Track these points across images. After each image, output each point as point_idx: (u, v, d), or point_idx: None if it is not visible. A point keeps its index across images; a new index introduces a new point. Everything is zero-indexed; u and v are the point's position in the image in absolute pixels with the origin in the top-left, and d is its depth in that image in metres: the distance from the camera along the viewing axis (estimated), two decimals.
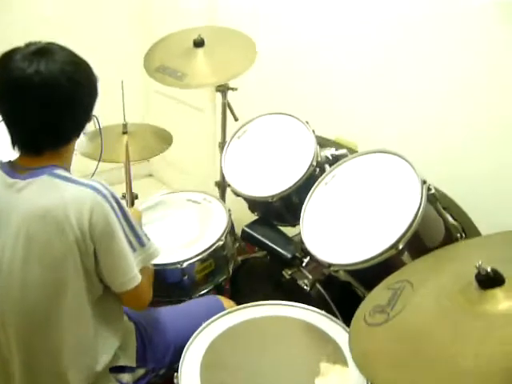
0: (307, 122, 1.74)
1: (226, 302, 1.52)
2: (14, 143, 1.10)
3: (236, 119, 2.14)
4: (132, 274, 1.12)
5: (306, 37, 2.13)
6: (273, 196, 1.65)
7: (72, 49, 1.12)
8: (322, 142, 1.78)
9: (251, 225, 1.75)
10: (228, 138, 1.89)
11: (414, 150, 1.42)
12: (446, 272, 1.09)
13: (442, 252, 1.25)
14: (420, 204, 1.24)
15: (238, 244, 1.79)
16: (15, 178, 1.07)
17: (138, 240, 1.15)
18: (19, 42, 1.09)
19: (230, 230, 1.71)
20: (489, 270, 0.87)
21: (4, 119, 1.09)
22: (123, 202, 1.14)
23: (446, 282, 1.03)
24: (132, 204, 2.08)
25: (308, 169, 1.62)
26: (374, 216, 1.37)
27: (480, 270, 0.88)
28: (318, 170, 1.66)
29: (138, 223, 1.23)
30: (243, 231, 1.73)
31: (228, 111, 2.13)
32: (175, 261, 1.56)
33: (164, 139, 2.00)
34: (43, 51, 1.06)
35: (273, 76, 2.27)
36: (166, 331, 1.37)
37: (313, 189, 1.54)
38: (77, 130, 1.14)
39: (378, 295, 1.14)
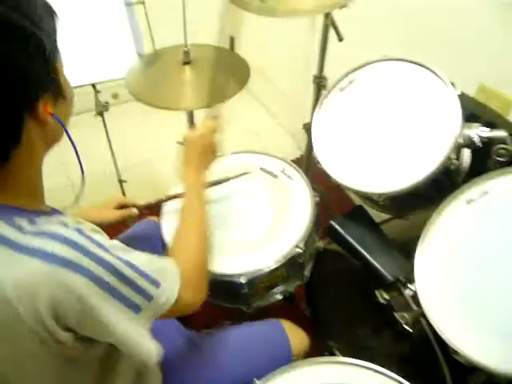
0: (452, 84, 1.13)
1: (289, 328, 1.14)
2: None
3: (340, 39, 1.53)
4: (143, 347, 0.73)
5: None
6: (380, 194, 1.14)
7: None
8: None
9: (343, 221, 1.26)
10: (329, 84, 1.33)
11: None
12: None
13: None
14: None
15: (319, 244, 1.32)
16: None
17: (142, 293, 0.73)
18: None
19: (314, 224, 1.24)
20: None
21: None
22: (111, 244, 0.71)
23: None
24: None
25: (442, 162, 1.07)
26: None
27: None
28: (456, 162, 1.10)
29: (151, 260, 0.79)
30: (331, 227, 1.26)
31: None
32: (234, 272, 1.15)
33: (241, 71, 1.48)
34: None
35: None
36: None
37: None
38: (12, 126, 0.65)
39: None
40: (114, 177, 1.90)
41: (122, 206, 1.22)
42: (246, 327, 1.16)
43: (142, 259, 0.76)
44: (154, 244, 1.24)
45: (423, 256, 1.02)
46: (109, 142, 1.76)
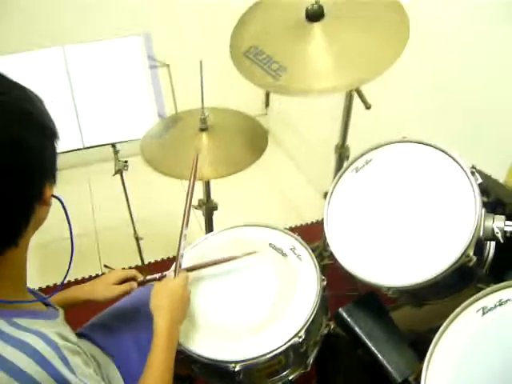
0: (474, 170, 1.06)
1: None
2: None
3: (368, 107, 1.48)
4: None
5: None
6: (388, 287, 1.06)
7: None
8: (487, 189, 1.10)
9: (352, 308, 1.18)
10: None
11: None
12: None
13: None
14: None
15: (329, 327, 1.24)
16: None
17: None
18: None
19: (319, 309, 1.16)
20: None
21: None
22: (86, 373, 0.68)
23: None
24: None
25: (458, 258, 0.98)
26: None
27: None
28: (474, 258, 1.00)
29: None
30: (338, 316, 1.18)
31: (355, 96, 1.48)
32: (228, 359, 1.08)
33: (259, 138, 1.45)
34: None
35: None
36: None
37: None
38: (8, 230, 0.66)
39: None
40: (131, 232, 1.89)
41: (124, 281, 1.16)
42: None
43: None
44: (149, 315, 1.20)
45: (431, 364, 0.92)
46: (127, 200, 1.75)
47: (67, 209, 0.77)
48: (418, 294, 1.16)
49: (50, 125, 0.69)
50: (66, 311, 0.86)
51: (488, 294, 0.91)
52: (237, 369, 1.06)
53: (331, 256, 1.85)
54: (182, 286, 1.05)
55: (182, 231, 1.11)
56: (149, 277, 1.17)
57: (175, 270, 1.09)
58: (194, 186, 1.14)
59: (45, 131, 0.68)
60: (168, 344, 0.93)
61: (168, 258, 2.08)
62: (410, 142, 1.17)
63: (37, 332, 0.64)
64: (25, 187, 0.64)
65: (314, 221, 2.42)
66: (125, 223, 1.97)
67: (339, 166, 1.58)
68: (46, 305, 0.83)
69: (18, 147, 0.62)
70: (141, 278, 1.17)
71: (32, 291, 0.81)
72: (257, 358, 1.07)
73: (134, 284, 1.16)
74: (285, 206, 2.58)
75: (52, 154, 0.70)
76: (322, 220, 1.91)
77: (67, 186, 0.78)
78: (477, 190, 1.03)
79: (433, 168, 1.11)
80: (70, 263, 0.81)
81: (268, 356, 1.07)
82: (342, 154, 1.55)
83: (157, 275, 1.16)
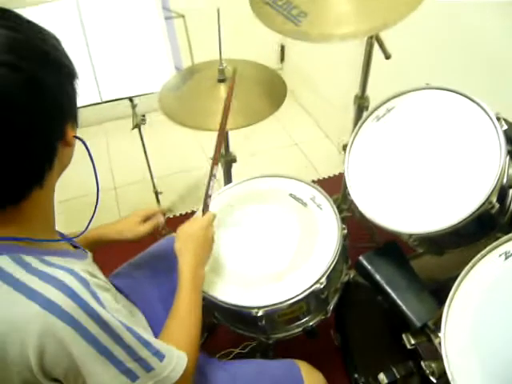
0: (499, 117, 1.03)
1: (305, 371, 1.09)
2: None
3: (387, 56, 1.45)
4: None
5: None
6: (410, 234, 1.07)
7: None
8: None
9: (373, 256, 1.18)
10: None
11: None
12: None
13: None
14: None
15: (348, 276, 1.25)
16: None
17: (141, 363, 0.70)
18: None
19: (340, 256, 1.18)
20: None
21: None
22: (116, 307, 0.70)
23: None
24: (229, 177, 1.60)
25: (479, 206, 0.98)
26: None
27: None
28: (497, 205, 1.00)
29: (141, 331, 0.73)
30: (359, 264, 1.19)
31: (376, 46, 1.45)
32: (251, 305, 1.10)
33: (278, 89, 1.43)
34: None
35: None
36: None
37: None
38: (32, 170, 0.66)
39: None
40: (150, 188, 1.91)
41: (148, 218, 1.16)
42: (261, 364, 1.11)
43: (146, 335, 0.73)
44: (173, 265, 1.21)
45: (452, 308, 0.93)
46: (145, 154, 1.76)
47: (90, 150, 0.77)
48: (439, 242, 1.16)
49: (67, 63, 0.68)
50: (93, 255, 0.88)
51: (511, 239, 0.91)
52: (259, 314, 1.09)
53: (349, 209, 1.86)
54: (206, 227, 1.04)
55: (211, 171, 1.08)
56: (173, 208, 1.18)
57: (203, 210, 1.09)
58: (225, 127, 1.13)
59: (62, 69, 0.67)
60: (193, 285, 0.95)
61: (186, 213, 2.10)
62: (433, 88, 1.14)
63: (66, 268, 0.66)
64: (45, 126, 0.64)
65: (332, 175, 2.41)
66: (143, 179, 1.99)
67: (358, 117, 1.56)
68: (75, 247, 0.85)
69: (35, 86, 0.62)
70: (166, 214, 1.17)
71: (61, 233, 0.83)
72: (279, 303, 1.09)
73: (160, 217, 1.16)
74: (302, 161, 2.57)
75: (71, 93, 0.69)
76: (340, 174, 1.90)
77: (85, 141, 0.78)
78: (502, 136, 1.01)
79: (457, 114, 1.09)
80: (95, 206, 0.82)
81: (290, 302, 1.09)
82: (361, 104, 1.52)
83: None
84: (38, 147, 0.65)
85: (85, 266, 0.71)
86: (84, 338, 0.63)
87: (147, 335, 0.73)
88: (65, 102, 0.68)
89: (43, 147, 0.66)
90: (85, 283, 0.65)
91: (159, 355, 0.73)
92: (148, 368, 0.71)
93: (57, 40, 0.69)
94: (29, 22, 0.66)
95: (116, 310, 0.69)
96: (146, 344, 0.71)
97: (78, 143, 0.74)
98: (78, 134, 0.73)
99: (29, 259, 0.66)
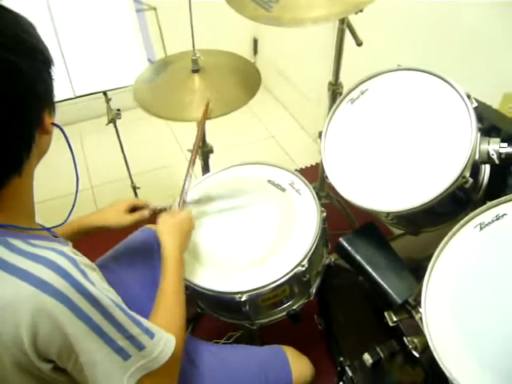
0: (469, 94, 1.06)
1: (292, 356, 1.11)
2: None
3: (359, 43, 1.47)
4: None
5: None
6: (388, 213, 1.08)
7: None
8: (482, 115, 1.11)
9: (352, 238, 1.20)
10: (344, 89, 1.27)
11: None
12: None
13: None
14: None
15: (329, 260, 1.27)
16: None
17: (132, 341, 0.70)
18: None
19: (320, 240, 1.19)
20: None
21: None
22: (105, 287, 0.70)
23: None
24: (206, 166, 1.61)
25: (453, 181, 1.00)
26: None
27: None
28: (471, 180, 1.02)
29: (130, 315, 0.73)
30: (339, 246, 1.20)
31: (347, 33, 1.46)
32: (234, 290, 1.11)
33: (252, 78, 1.44)
34: None
35: None
36: None
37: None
38: (10, 158, 0.66)
39: None
40: (128, 185, 1.89)
41: (134, 209, 1.15)
42: (249, 349, 1.12)
43: (136, 314, 0.74)
44: (151, 255, 1.21)
45: (431, 282, 0.95)
46: (121, 149, 1.75)
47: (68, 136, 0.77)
48: (415, 221, 1.19)
49: (43, 50, 0.68)
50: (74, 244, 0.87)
51: (484, 211, 0.93)
52: (243, 299, 1.10)
53: (327, 196, 1.88)
54: (189, 219, 1.08)
55: (188, 169, 1.12)
56: (159, 206, 1.17)
57: (179, 204, 1.11)
58: (204, 128, 1.15)
59: (38, 56, 0.67)
60: (177, 266, 0.96)
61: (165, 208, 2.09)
62: (405, 69, 1.16)
63: (55, 249, 0.66)
64: (22, 113, 0.64)
65: (309, 165, 2.43)
66: (119, 176, 1.98)
67: (333, 104, 1.57)
68: (55, 237, 0.85)
69: (11, 72, 0.61)
70: (151, 206, 1.17)
71: (40, 224, 0.83)
72: (262, 287, 1.10)
73: (145, 212, 1.15)
74: (279, 153, 2.59)
75: (47, 80, 0.69)
76: (316, 164, 1.91)
77: (59, 143, 0.78)
78: (472, 113, 1.03)
79: (428, 94, 1.11)
80: (75, 196, 0.82)
81: (273, 285, 1.11)
82: (335, 90, 1.54)
83: (166, 205, 1.16)
84: (16, 134, 0.65)
85: (70, 249, 0.71)
86: (78, 316, 0.64)
87: (137, 315, 0.73)
88: (41, 89, 0.68)
89: (21, 134, 0.65)
90: (74, 263, 0.66)
91: (149, 333, 0.73)
92: (140, 346, 0.71)
93: (32, 26, 0.68)
94: (4, 8, 0.65)
95: (106, 289, 0.70)
96: (137, 322, 0.72)
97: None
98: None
99: (15, 242, 0.66)
